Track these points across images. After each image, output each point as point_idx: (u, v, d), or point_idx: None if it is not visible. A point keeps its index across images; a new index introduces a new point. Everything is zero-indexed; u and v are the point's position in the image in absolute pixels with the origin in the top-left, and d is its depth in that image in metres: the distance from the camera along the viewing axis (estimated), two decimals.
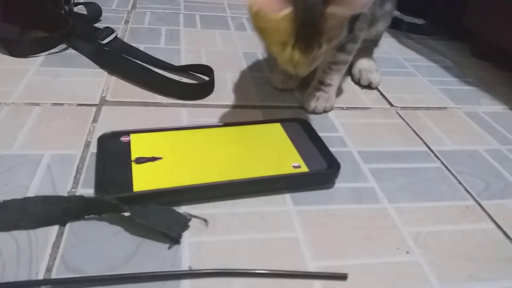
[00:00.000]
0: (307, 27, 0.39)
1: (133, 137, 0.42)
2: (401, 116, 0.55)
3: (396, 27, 0.89)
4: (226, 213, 0.36)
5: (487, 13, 0.75)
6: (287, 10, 0.38)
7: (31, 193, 0.35)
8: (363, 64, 0.63)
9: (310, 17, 0.39)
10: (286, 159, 0.41)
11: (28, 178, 0.37)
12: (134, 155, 0.39)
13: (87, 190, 0.36)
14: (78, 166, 0.39)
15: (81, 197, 0.33)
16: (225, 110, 0.52)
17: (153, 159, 0.39)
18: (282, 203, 0.38)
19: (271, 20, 0.38)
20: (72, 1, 0.64)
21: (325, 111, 0.54)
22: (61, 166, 0.39)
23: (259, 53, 0.68)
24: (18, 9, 0.61)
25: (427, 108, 0.58)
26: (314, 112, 0.53)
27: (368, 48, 0.64)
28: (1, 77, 0.52)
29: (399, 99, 0.59)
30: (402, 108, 0.57)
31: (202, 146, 0.42)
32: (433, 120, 0.55)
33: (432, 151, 0.48)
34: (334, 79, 0.54)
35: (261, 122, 0.48)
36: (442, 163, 0.46)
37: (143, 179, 0.36)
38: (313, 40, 0.40)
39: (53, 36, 0.61)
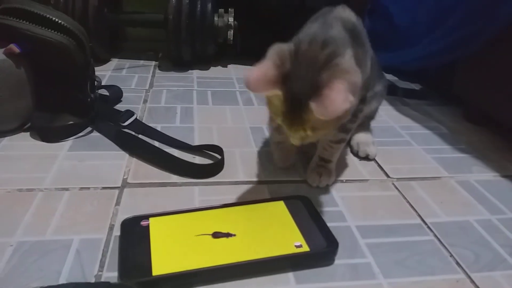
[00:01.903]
0: (293, 113, 0.44)
1: (151, 221, 0.47)
2: (397, 188, 0.59)
3: (392, 93, 0.94)
4: None
5: (475, 81, 0.81)
6: (275, 92, 0.43)
7: (63, 278, 0.40)
8: (360, 137, 0.68)
9: (295, 106, 0.43)
10: (289, 238, 0.45)
11: (60, 263, 0.42)
12: (153, 239, 0.44)
13: (111, 274, 0.41)
14: (103, 249, 0.44)
15: (107, 283, 0.38)
16: (234, 187, 0.57)
17: (228, 235, 0.45)
18: (286, 282, 0.42)
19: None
20: (96, 89, 0.72)
21: (327, 185, 0.58)
22: (88, 250, 0.44)
23: (265, 128, 0.74)
24: (49, 99, 0.68)
25: (422, 179, 0.62)
26: (317, 187, 0.58)
27: (364, 123, 0.69)
28: (34, 163, 0.59)
29: (395, 170, 0.64)
30: (398, 179, 0.62)
31: (212, 228, 0.46)
32: (427, 191, 0.59)
33: (426, 223, 0.52)
34: (334, 156, 0.59)
35: (266, 201, 0.52)
36: (435, 235, 0.50)
37: (161, 262, 0.41)
38: (298, 124, 0.45)
39: (80, 122, 0.68)
